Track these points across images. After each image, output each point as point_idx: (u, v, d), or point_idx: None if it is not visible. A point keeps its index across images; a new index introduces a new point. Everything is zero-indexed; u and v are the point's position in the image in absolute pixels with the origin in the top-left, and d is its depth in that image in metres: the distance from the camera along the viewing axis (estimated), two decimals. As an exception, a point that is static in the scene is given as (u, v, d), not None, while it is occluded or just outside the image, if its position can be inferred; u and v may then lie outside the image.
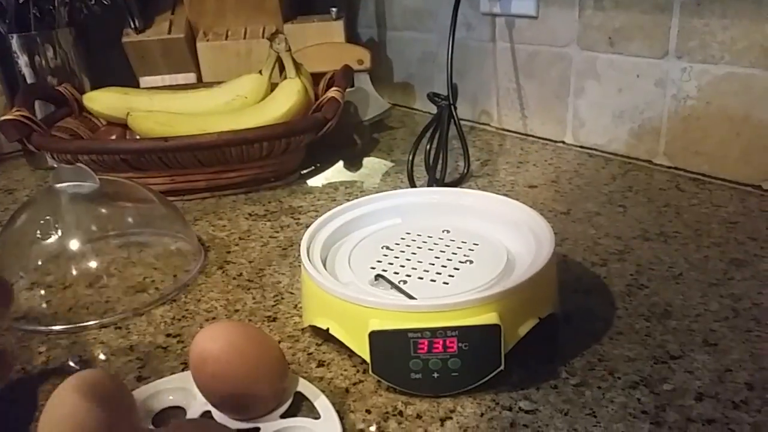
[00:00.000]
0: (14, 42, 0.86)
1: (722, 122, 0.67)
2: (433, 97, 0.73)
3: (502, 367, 0.38)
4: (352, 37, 1.06)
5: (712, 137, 0.68)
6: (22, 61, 0.87)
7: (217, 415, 0.38)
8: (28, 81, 0.88)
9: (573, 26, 0.77)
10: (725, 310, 0.46)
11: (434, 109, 0.73)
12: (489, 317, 0.37)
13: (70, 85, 0.85)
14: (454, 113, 0.72)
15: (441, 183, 0.70)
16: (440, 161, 0.71)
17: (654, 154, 0.74)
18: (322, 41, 0.96)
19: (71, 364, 0.45)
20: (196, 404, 0.38)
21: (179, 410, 0.39)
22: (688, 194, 0.66)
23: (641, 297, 0.48)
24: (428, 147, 0.71)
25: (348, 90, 0.87)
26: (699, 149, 0.69)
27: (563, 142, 0.84)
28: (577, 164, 0.77)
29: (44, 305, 0.53)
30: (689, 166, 0.71)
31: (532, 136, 0.87)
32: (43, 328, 0.50)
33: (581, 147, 0.81)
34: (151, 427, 0.38)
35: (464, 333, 0.37)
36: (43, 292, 0.54)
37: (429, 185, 0.69)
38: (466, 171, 0.74)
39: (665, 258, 0.54)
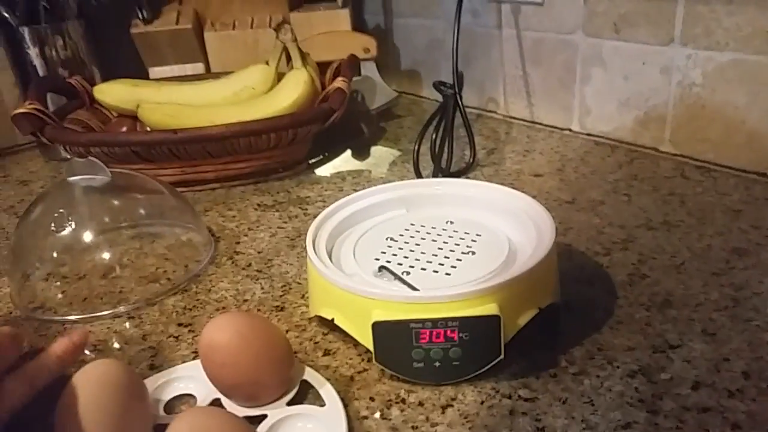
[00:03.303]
0: (25, 34, 0.88)
1: (727, 109, 0.66)
2: (438, 85, 0.73)
3: (502, 357, 0.39)
4: (358, 24, 1.06)
5: (717, 124, 0.68)
6: (33, 53, 0.88)
7: (226, 402, 0.39)
8: (40, 73, 0.89)
9: (578, 13, 0.77)
10: (725, 300, 0.46)
11: (441, 97, 0.73)
12: (489, 308, 0.38)
13: (81, 77, 0.86)
14: (459, 102, 0.73)
15: (447, 172, 0.71)
16: (446, 151, 0.71)
17: (660, 141, 0.74)
18: (329, 29, 0.96)
19: (86, 352, 0.46)
20: (206, 392, 0.40)
21: (190, 397, 0.41)
22: (693, 182, 0.66)
23: (643, 286, 0.49)
24: (434, 136, 0.72)
25: (355, 79, 0.87)
26: (704, 136, 0.69)
27: (570, 130, 0.84)
28: (583, 152, 0.77)
29: (60, 295, 0.54)
30: (695, 154, 0.71)
31: (539, 123, 0.88)
32: (58, 318, 0.51)
33: (588, 134, 0.82)
34: (163, 413, 0.39)
35: (464, 324, 0.38)
36: (58, 282, 0.56)
37: (434, 175, 0.70)
38: (471, 160, 0.74)
39: (668, 247, 0.54)
